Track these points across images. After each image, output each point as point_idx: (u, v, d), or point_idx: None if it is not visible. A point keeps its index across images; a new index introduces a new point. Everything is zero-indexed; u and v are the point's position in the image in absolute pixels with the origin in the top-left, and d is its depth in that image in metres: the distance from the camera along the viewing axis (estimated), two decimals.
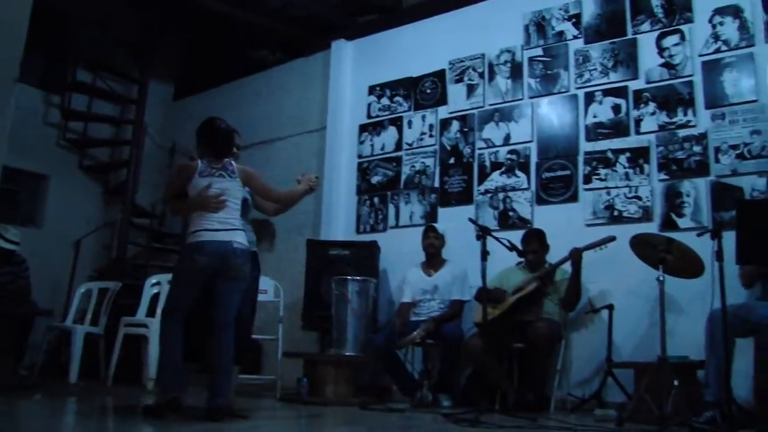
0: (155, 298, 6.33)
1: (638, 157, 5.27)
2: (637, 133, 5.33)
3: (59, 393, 5.29)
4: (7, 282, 6.26)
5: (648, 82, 5.37)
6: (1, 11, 1.38)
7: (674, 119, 5.18)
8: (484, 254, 4.47)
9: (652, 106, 5.30)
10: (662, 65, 5.33)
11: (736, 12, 5.06)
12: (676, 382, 3.69)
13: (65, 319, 6.80)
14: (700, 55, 5.17)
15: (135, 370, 6.11)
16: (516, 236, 5.19)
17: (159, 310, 6.21)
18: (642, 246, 4.30)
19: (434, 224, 5.85)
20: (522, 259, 5.20)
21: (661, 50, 5.36)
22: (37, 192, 8.19)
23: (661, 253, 4.08)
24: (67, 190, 8.21)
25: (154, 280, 6.47)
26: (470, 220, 4.88)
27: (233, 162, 4.02)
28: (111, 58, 8.46)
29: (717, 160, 4.94)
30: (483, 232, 4.55)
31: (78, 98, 8.27)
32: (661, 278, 4.00)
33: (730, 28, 5.07)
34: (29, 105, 7.83)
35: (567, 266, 4.99)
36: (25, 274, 6.43)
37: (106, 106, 8.63)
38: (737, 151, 4.87)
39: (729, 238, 3.60)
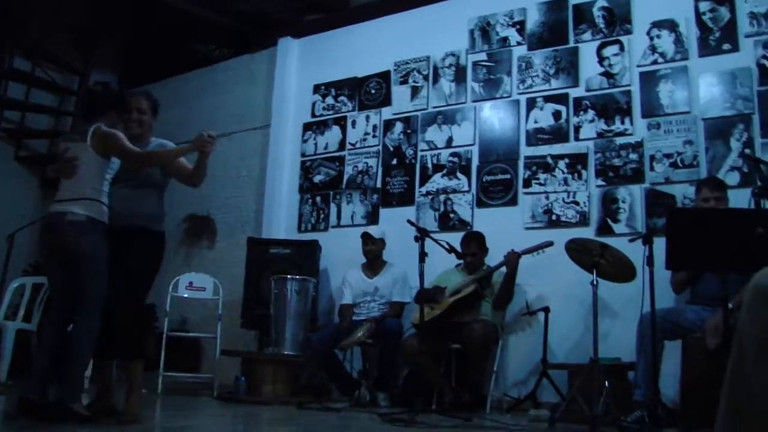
0: None
1: (577, 162, 5.39)
2: (576, 139, 5.45)
3: None
4: None
5: (588, 90, 5.49)
6: None
7: (612, 127, 5.31)
8: (422, 256, 4.49)
9: (591, 114, 5.42)
10: (602, 74, 5.46)
11: (672, 26, 5.21)
12: (607, 383, 3.78)
13: None
14: (638, 66, 5.31)
15: None
16: (456, 238, 5.24)
17: None
18: (577, 250, 4.38)
19: (369, 231, 5.83)
20: (461, 261, 5.26)
21: (601, 59, 5.49)
22: None
23: (595, 258, 4.16)
24: (1, 182, 7.97)
25: None
26: (409, 221, 4.90)
27: (102, 126, 3.53)
28: (52, 47, 8.24)
29: (652, 168, 5.08)
30: (421, 234, 4.57)
31: (15, 87, 8.02)
32: (595, 282, 4.09)
33: (666, 41, 5.22)
34: None
35: (504, 269, 5.06)
36: None
37: (45, 96, 8.40)
38: (671, 160, 5.01)
39: (660, 244, 3.70)
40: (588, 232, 5.10)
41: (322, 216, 6.69)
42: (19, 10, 7.68)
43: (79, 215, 3.35)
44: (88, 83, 8.10)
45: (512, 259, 4.96)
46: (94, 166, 3.46)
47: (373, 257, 5.75)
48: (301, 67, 7.26)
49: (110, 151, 3.49)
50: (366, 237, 5.77)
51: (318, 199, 6.75)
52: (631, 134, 5.22)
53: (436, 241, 4.70)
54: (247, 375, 5.41)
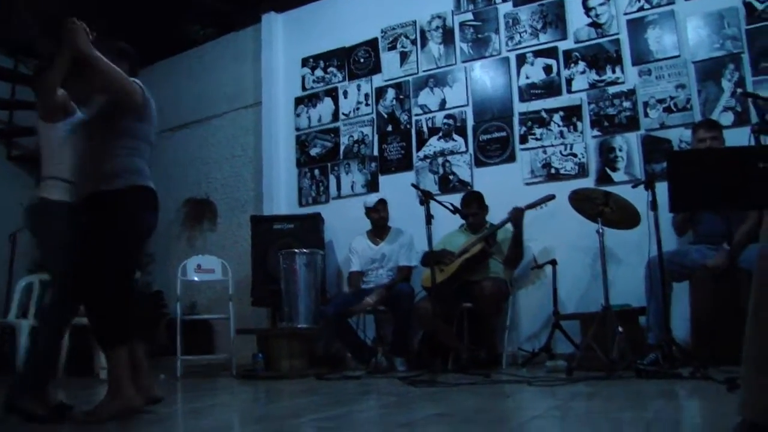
0: None
1: (571, 115, 5.43)
2: (569, 92, 5.49)
3: (6, 389, 5.18)
4: None
5: (577, 42, 5.52)
6: None
7: (603, 77, 5.35)
8: (429, 218, 4.52)
9: (582, 65, 5.45)
10: (590, 25, 5.48)
11: None
12: (620, 329, 3.88)
13: (7, 315, 6.65)
14: (625, 14, 5.34)
15: (86, 361, 6.02)
16: (458, 199, 5.30)
17: None
18: (580, 201, 4.45)
19: (382, 198, 5.87)
20: (463, 222, 5.32)
21: (587, 10, 5.50)
22: None
23: (599, 207, 4.24)
24: None
25: None
26: (413, 185, 4.94)
27: None
28: (35, 42, 8.16)
29: (646, 115, 5.13)
30: (426, 197, 4.62)
31: (0, 85, 7.97)
32: (600, 231, 4.17)
33: None
34: None
35: (509, 225, 5.12)
36: None
37: (31, 92, 8.34)
38: (664, 105, 5.07)
39: (661, 188, 3.76)
40: (588, 183, 5.17)
41: (321, 188, 6.73)
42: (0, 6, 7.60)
43: (41, 198, 3.42)
44: None
45: (517, 215, 5.02)
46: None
47: (383, 224, 5.79)
48: (287, 41, 7.24)
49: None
50: (380, 203, 5.80)
51: (316, 171, 6.78)
52: (623, 82, 5.27)
53: (440, 203, 4.75)
54: (263, 351, 5.48)
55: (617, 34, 5.35)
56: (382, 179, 6.35)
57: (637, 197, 4.18)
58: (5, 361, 6.55)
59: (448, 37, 6.15)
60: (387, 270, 5.67)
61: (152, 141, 3.28)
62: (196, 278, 6.17)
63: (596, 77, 5.38)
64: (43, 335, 3.25)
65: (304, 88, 7.01)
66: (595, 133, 5.31)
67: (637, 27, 5.26)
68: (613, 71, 5.31)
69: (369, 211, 5.81)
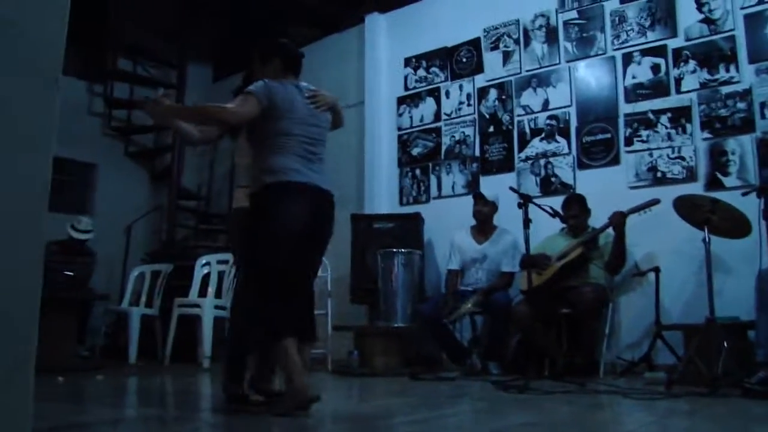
0: (206, 278, 6.50)
1: (680, 116, 5.21)
2: (678, 92, 5.26)
3: (120, 373, 5.49)
4: (77, 271, 6.55)
5: (687, 40, 5.28)
6: (38, 15, 1.45)
7: (716, 76, 5.09)
8: (527, 222, 4.48)
9: (692, 64, 5.22)
10: (702, 21, 5.23)
11: None
12: (725, 343, 3.69)
13: (121, 302, 7.03)
14: (742, 8, 5.05)
15: (190, 349, 6.28)
16: (560, 202, 5.21)
17: (210, 290, 6.40)
18: (686, 207, 4.27)
19: (482, 191, 5.82)
20: (564, 225, 5.21)
21: (700, 6, 5.25)
22: (88, 180, 8.42)
23: (705, 214, 4.05)
24: (115, 177, 8.42)
25: (204, 261, 6.63)
26: (511, 188, 4.89)
27: None
28: (150, 45, 8.59)
29: (762, 116, 4.85)
30: (524, 200, 4.56)
31: (120, 86, 8.43)
32: (707, 239, 3.98)
33: None
34: (74, 96, 8.08)
35: (611, 230, 4.97)
36: (92, 266, 6.81)
37: (147, 92, 8.78)
38: None
39: None
40: (696, 188, 4.94)
41: (422, 188, 6.74)
42: (116, 13, 8.04)
43: None
44: (185, 76, 8.42)
45: (618, 220, 4.86)
46: None
47: (484, 219, 5.69)
48: (390, 41, 7.29)
49: None
50: (478, 197, 5.73)
51: (417, 171, 6.80)
52: (737, 82, 5.00)
53: (539, 206, 4.68)
54: (359, 348, 5.56)
55: (732, 30, 5.07)
56: (483, 180, 6.29)
57: (749, 205, 3.97)
58: (119, 344, 6.95)
59: (551, 36, 6.03)
60: (487, 272, 5.60)
61: (296, 132, 3.17)
62: None
63: (708, 77, 5.13)
64: (237, 326, 3.45)
65: (406, 88, 7.05)
66: (706, 135, 5.08)
67: (755, 22, 4.97)
68: (727, 70, 5.06)
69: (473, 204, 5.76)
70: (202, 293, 6.40)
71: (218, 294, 6.38)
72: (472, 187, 6.26)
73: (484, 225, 5.72)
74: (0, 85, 1.49)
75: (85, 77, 8.34)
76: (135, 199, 8.48)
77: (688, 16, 5.30)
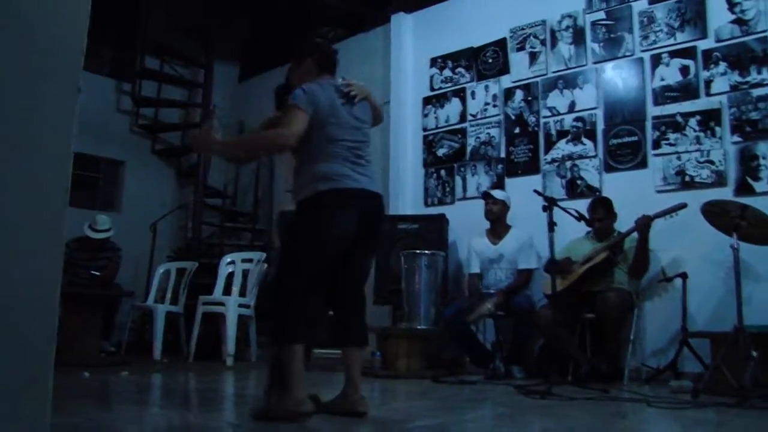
0: (230, 276, 6.53)
1: (709, 119, 5.12)
2: (708, 94, 5.17)
3: (145, 370, 5.53)
4: (101, 267, 6.64)
5: (718, 41, 5.18)
6: (60, 26, 1.47)
7: (747, 78, 5.00)
8: (551, 225, 4.43)
9: (722, 66, 5.13)
10: (733, 22, 5.13)
11: None
12: (754, 353, 3.62)
13: (147, 299, 7.09)
14: None
15: (214, 347, 6.32)
16: (585, 205, 5.16)
17: (235, 289, 6.43)
18: (714, 213, 4.19)
19: (490, 190, 5.84)
20: (590, 229, 5.15)
21: (731, 6, 5.16)
22: (115, 177, 8.53)
23: (734, 220, 3.97)
24: (142, 174, 8.51)
25: (228, 259, 6.67)
26: (536, 191, 4.83)
27: None
28: (177, 44, 8.65)
29: None
30: (549, 203, 4.51)
31: (148, 85, 8.51)
32: (736, 245, 3.90)
33: None
34: (103, 94, 8.19)
35: (636, 234, 4.90)
36: (118, 261, 6.87)
37: (174, 90, 8.87)
38: None
39: None
40: (726, 193, 4.85)
41: (447, 189, 6.71)
42: (145, 13, 8.11)
43: None
44: (212, 75, 8.47)
45: (644, 224, 4.79)
46: None
47: (494, 218, 5.70)
48: (416, 41, 7.27)
49: None
50: (486, 196, 5.76)
51: (442, 172, 6.78)
52: None
53: (564, 209, 4.62)
54: (382, 350, 5.54)
55: (765, 31, 4.96)
56: (509, 182, 6.25)
57: None
58: (144, 340, 7.01)
59: (578, 37, 5.96)
60: (506, 271, 5.58)
61: (342, 137, 3.10)
62: None
63: (739, 79, 5.04)
64: None
65: (432, 88, 7.02)
66: (736, 139, 4.98)
67: None
68: (759, 72, 4.96)
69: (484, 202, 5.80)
70: (227, 291, 6.43)
71: (242, 292, 6.41)
72: (498, 189, 6.20)
73: (497, 225, 5.73)
74: (24, 92, 1.51)
75: (114, 76, 8.47)
76: (161, 197, 8.55)
77: (719, 16, 5.21)
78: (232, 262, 6.62)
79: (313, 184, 3.03)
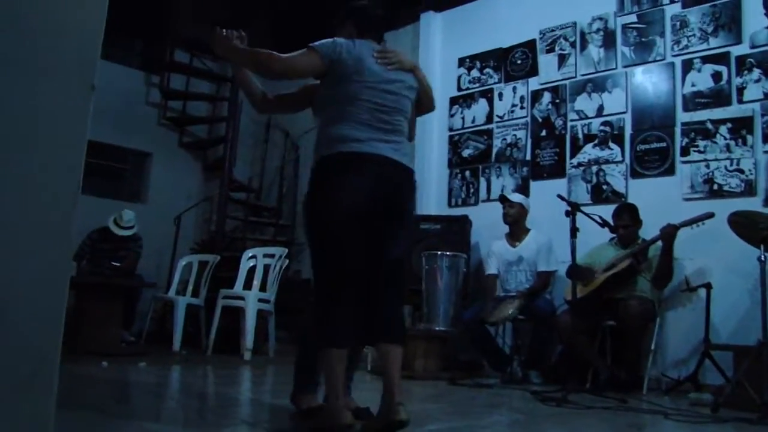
0: (251, 271, 6.53)
1: (740, 127, 5.01)
2: (740, 101, 5.06)
3: (163, 361, 5.55)
4: (122, 258, 6.70)
5: (753, 47, 5.07)
6: (75, 20, 1.47)
7: None
8: (574, 231, 4.37)
9: (756, 73, 5.01)
10: None
11: None
12: None
13: (168, 291, 7.13)
14: None
15: (233, 340, 6.32)
16: (611, 210, 5.08)
17: (255, 283, 6.44)
18: (742, 223, 4.10)
19: (506, 194, 5.80)
20: (614, 235, 5.07)
21: None
22: (142, 169, 8.59)
23: (763, 232, 3.88)
24: (169, 166, 8.56)
25: (250, 254, 6.67)
26: (559, 196, 4.77)
27: None
28: (207, 38, 8.67)
29: None
30: (572, 208, 4.45)
31: (176, 78, 8.56)
32: (763, 258, 3.81)
33: None
34: (133, 86, 8.25)
35: (661, 242, 4.82)
36: (139, 250, 6.92)
37: (202, 84, 8.91)
38: None
39: None
40: (755, 203, 4.75)
41: (471, 190, 6.66)
42: (175, 6, 8.15)
43: None
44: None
45: (669, 233, 4.70)
46: None
47: (512, 221, 5.66)
48: (445, 40, 7.22)
49: None
50: (502, 200, 5.71)
51: (467, 173, 6.73)
52: None
53: (587, 215, 4.55)
54: None
55: None
56: (533, 185, 6.19)
57: None
58: (165, 331, 7.06)
59: (609, 39, 5.87)
60: (526, 273, 5.53)
61: (364, 97, 2.72)
62: None
63: None
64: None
65: (459, 88, 6.97)
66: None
67: None
68: None
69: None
70: (248, 286, 6.44)
71: (263, 287, 6.41)
72: (522, 192, 6.14)
73: (515, 228, 5.68)
74: (39, 90, 1.51)
75: (143, 68, 8.53)
76: (186, 189, 8.59)
77: (754, 22, 5.09)
78: (254, 257, 6.63)
79: (319, 150, 2.73)
